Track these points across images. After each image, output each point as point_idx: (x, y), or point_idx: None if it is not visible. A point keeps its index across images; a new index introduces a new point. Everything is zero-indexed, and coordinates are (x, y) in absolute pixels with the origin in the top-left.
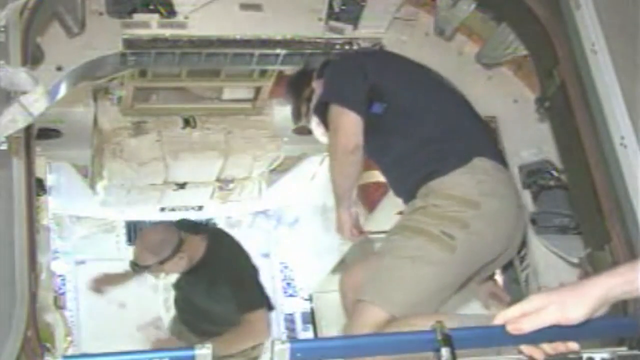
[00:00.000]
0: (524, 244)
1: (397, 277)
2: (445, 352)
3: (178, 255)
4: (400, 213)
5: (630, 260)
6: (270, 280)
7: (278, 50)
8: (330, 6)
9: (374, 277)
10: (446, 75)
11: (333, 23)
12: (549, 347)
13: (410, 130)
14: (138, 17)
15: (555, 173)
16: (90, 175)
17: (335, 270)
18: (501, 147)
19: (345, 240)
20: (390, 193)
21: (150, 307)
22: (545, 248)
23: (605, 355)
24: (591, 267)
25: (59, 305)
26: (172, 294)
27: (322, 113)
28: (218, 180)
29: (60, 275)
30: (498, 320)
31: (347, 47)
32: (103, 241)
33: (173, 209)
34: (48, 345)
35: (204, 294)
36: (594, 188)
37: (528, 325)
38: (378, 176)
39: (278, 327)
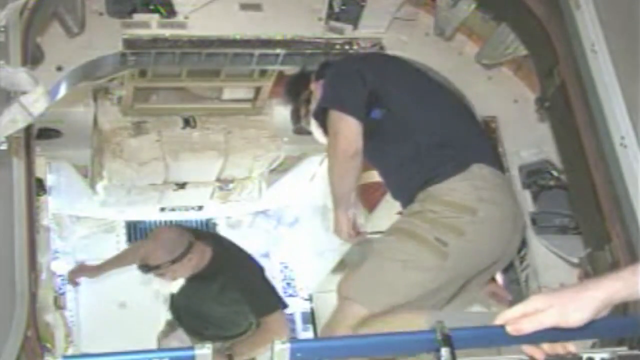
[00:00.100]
0: (524, 244)
1: (386, 280)
2: (445, 352)
3: (188, 256)
4: (400, 213)
5: (632, 263)
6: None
7: (278, 50)
8: (330, 6)
9: (363, 275)
10: (446, 75)
11: (333, 23)
12: (548, 347)
13: (409, 136)
14: (138, 17)
15: (555, 173)
16: (90, 175)
17: (335, 270)
18: (501, 147)
19: (343, 241)
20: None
21: (150, 307)
22: (545, 248)
23: (605, 355)
24: (591, 267)
25: (59, 305)
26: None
27: (322, 118)
28: (218, 180)
29: (60, 275)
30: (498, 321)
31: (347, 47)
32: (103, 241)
33: (173, 209)
34: (48, 345)
35: (212, 300)
36: (594, 188)
37: (527, 327)
38: (378, 176)
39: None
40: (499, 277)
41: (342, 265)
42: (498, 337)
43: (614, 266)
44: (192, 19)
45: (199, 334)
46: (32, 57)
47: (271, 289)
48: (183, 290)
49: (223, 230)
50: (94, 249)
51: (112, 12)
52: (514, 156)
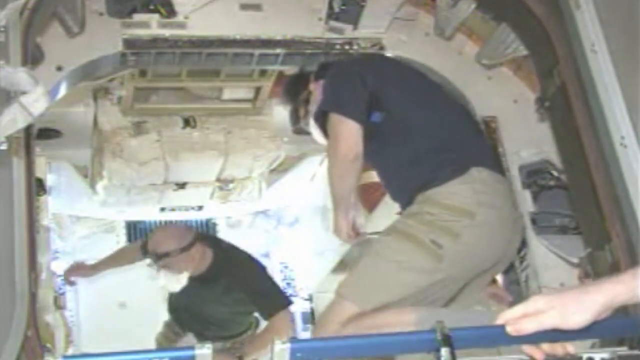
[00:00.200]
0: (524, 244)
1: (379, 279)
2: (445, 352)
3: (195, 247)
4: (400, 214)
5: (632, 263)
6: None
7: (278, 50)
8: (330, 6)
9: (357, 273)
10: (446, 75)
11: (333, 23)
12: (547, 347)
13: (408, 140)
14: (138, 17)
15: (555, 173)
16: (90, 175)
17: (335, 270)
18: (501, 147)
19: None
20: None
21: (150, 307)
22: (545, 248)
23: (605, 355)
24: (591, 267)
25: (59, 305)
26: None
27: (322, 121)
28: (218, 180)
29: (60, 275)
30: (499, 321)
31: (347, 47)
32: (103, 241)
33: (173, 209)
34: (48, 345)
35: (215, 302)
36: (594, 188)
37: (527, 327)
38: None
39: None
40: (499, 278)
41: (342, 265)
42: (498, 337)
43: (614, 266)
44: (192, 19)
45: (199, 335)
46: (32, 57)
47: (276, 288)
48: (183, 291)
49: (223, 230)
50: (94, 249)
51: (112, 12)
52: (514, 156)
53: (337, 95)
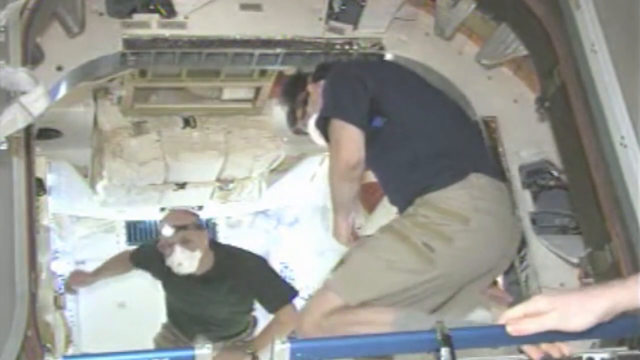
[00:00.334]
0: (524, 243)
1: (368, 275)
2: (445, 352)
3: (206, 232)
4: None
5: (632, 264)
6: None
7: (278, 50)
8: (330, 6)
9: (347, 267)
10: (446, 75)
11: (333, 23)
12: (546, 347)
13: (408, 144)
14: (138, 17)
15: (555, 173)
16: (90, 175)
17: (335, 270)
18: (501, 147)
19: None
20: None
21: (150, 307)
22: (545, 248)
23: (605, 355)
24: (591, 267)
25: (59, 305)
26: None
27: (323, 126)
28: (218, 180)
29: (60, 275)
30: (501, 320)
31: (347, 47)
32: (103, 241)
33: (173, 209)
34: (48, 345)
35: (218, 302)
36: (594, 188)
37: (528, 328)
38: None
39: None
40: (499, 279)
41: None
42: (497, 337)
43: (614, 266)
44: (192, 19)
45: (197, 333)
46: (32, 57)
47: (280, 281)
48: (184, 293)
49: (223, 230)
50: (94, 249)
51: (112, 12)
52: (514, 156)
53: (338, 100)
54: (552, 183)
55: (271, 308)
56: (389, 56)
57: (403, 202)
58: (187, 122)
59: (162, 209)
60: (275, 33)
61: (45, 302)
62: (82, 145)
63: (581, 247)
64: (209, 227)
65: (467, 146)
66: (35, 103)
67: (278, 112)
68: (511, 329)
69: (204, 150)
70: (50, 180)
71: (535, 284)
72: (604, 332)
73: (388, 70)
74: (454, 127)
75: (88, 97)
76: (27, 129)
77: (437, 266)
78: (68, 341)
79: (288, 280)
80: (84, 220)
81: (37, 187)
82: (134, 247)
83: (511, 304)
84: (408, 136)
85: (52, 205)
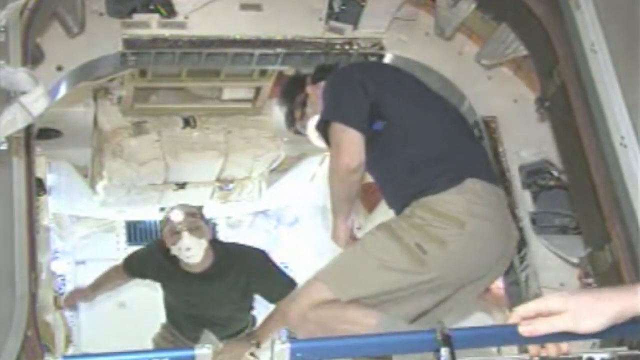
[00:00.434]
0: (524, 243)
1: (358, 271)
2: (444, 352)
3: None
4: None
5: (632, 264)
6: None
7: (278, 50)
8: (330, 6)
9: (340, 260)
10: (446, 75)
11: (333, 23)
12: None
13: (406, 148)
14: (138, 17)
15: (555, 173)
16: (90, 175)
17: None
18: (501, 147)
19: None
20: None
21: (150, 307)
22: (545, 248)
23: (605, 355)
24: (591, 267)
25: (59, 305)
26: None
27: (324, 130)
28: (218, 180)
29: (60, 275)
30: (513, 318)
31: (347, 47)
32: (103, 241)
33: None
34: (48, 345)
35: (221, 300)
36: (594, 188)
37: (540, 329)
38: None
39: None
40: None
41: None
42: (497, 337)
43: (614, 266)
44: (192, 19)
45: (198, 338)
46: (32, 57)
47: (280, 271)
48: (184, 292)
49: (223, 230)
50: (94, 249)
51: (112, 12)
52: (514, 156)
53: (339, 103)
54: (552, 183)
55: (272, 299)
56: (389, 56)
57: (400, 205)
58: (187, 122)
59: (162, 209)
60: (275, 33)
61: (45, 302)
62: (82, 145)
63: (581, 247)
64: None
65: (464, 151)
66: (35, 103)
67: (278, 112)
68: (523, 330)
69: (204, 150)
70: (50, 180)
71: (535, 284)
72: (604, 332)
73: (388, 74)
74: (453, 131)
75: (88, 97)
76: (27, 129)
77: (429, 268)
78: (68, 341)
79: None
80: (84, 220)
81: (37, 187)
82: (134, 247)
83: (511, 305)
84: (407, 140)
85: (52, 205)
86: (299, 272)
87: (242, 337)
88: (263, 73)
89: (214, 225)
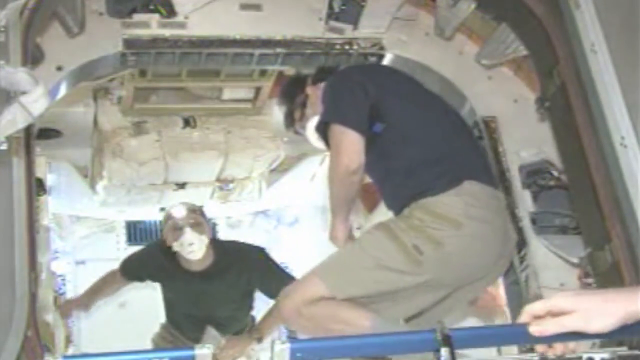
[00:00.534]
0: (524, 243)
1: (355, 269)
2: (444, 352)
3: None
4: None
5: (632, 263)
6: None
7: (278, 50)
8: (330, 6)
9: (337, 257)
10: (446, 75)
11: (333, 23)
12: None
13: (405, 150)
14: (138, 17)
15: (555, 173)
16: (90, 175)
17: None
18: (501, 147)
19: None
20: None
21: (150, 307)
22: (545, 248)
23: (605, 355)
24: (591, 267)
25: (59, 305)
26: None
27: (324, 131)
28: (218, 180)
29: (60, 275)
30: (523, 317)
31: (347, 47)
32: (103, 241)
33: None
34: (48, 345)
35: (222, 298)
36: (594, 188)
37: (550, 329)
38: None
39: (278, 327)
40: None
41: None
42: (497, 337)
43: (614, 266)
44: (192, 19)
45: (198, 338)
46: (32, 57)
47: (279, 267)
48: (184, 292)
49: (223, 230)
50: (94, 249)
51: (112, 12)
52: (514, 156)
53: (339, 105)
54: (552, 183)
55: (272, 294)
56: (389, 56)
57: (399, 207)
58: (187, 122)
59: (162, 209)
60: (275, 33)
61: (45, 302)
62: (82, 145)
63: (581, 247)
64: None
65: (463, 153)
66: (35, 103)
67: (278, 112)
68: (534, 330)
69: (204, 150)
70: (50, 180)
71: (535, 284)
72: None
73: (388, 76)
74: (452, 133)
75: (88, 97)
76: (27, 129)
77: (426, 269)
78: (68, 341)
79: None
80: (84, 220)
81: (37, 187)
82: (134, 247)
83: (511, 306)
84: (406, 142)
85: (52, 205)
86: (299, 272)
87: (246, 329)
88: (263, 73)
89: (214, 225)
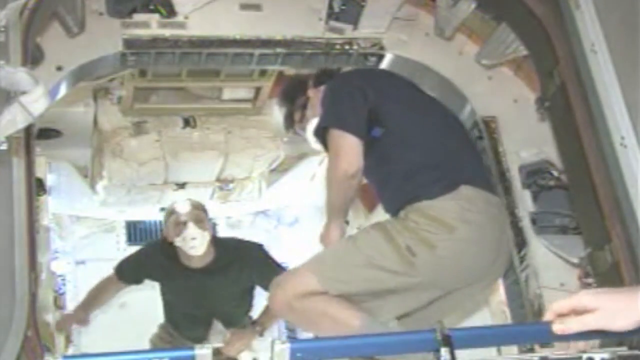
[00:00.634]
0: (524, 243)
1: (347, 265)
2: (444, 352)
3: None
4: None
5: (632, 264)
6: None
7: (278, 50)
8: (330, 6)
9: (331, 251)
10: (446, 75)
11: (333, 23)
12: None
13: (404, 156)
14: (138, 17)
15: (555, 173)
16: (90, 175)
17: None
18: (501, 147)
19: None
20: None
21: (150, 307)
22: (545, 248)
23: (605, 355)
24: (591, 267)
25: (59, 305)
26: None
27: (322, 135)
28: (218, 180)
29: (60, 275)
30: (549, 316)
31: (347, 47)
32: (103, 241)
33: None
34: (48, 345)
35: (223, 295)
36: (594, 188)
37: (573, 327)
38: None
39: (278, 327)
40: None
41: None
42: (497, 337)
43: (614, 266)
44: (192, 19)
45: (197, 338)
46: (32, 57)
47: (278, 265)
48: (184, 289)
49: (223, 230)
50: (94, 249)
51: (112, 12)
52: (514, 156)
53: (338, 110)
54: (552, 183)
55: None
56: (389, 56)
57: (395, 210)
58: (187, 122)
59: (162, 209)
60: (275, 33)
61: (45, 302)
62: (82, 145)
63: (581, 247)
64: None
65: (460, 157)
66: (35, 103)
67: (278, 112)
68: (557, 328)
69: (204, 150)
70: (50, 180)
71: (535, 284)
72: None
73: (387, 81)
74: (450, 137)
75: (88, 97)
76: (27, 129)
77: (418, 271)
78: (68, 341)
79: None
80: (84, 220)
81: (37, 187)
82: (134, 247)
83: (511, 304)
84: (404, 147)
85: (52, 205)
86: None
87: (246, 326)
88: (263, 73)
89: (214, 225)
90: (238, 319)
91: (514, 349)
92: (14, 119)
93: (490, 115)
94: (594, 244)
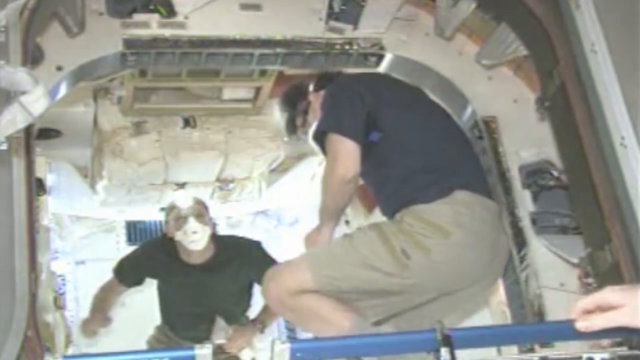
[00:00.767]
0: (524, 243)
1: (341, 264)
2: (444, 352)
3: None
4: None
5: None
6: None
7: (278, 50)
8: (330, 6)
9: (328, 250)
10: (446, 75)
11: (333, 23)
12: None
13: (401, 160)
14: (138, 17)
15: (555, 173)
16: (90, 175)
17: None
18: (501, 147)
19: None
20: None
21: (150, 307)
22: (545, 248)
23: (605, 355)
24: (591, 267)
25: (59, 305)
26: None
27: (321, 140)
28: (218, 180)
29: (60, 275)
30: (575, 313)
31: (347, 47)
32: (103, 241)
33: None
34: (48, 345)
35: (222, 293)
36: (594, 188)
37: (598, 324)
38: None
39: (278, 327)
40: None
41: None
42: (497, 337)
43: (614, 266)
44: (192, 19)
45: (198, 337)
46: (32, 57)
47: (275, 262)
48: (183, 286)
49: (223, 230)
50: (94, 249)
51: (112, 12)
52: (514, 156)
53: (336, 114)
54: (552, 183)
55: None
56: (389, 56)
57: (392, 213)
58: (187, 122)
59: (162, 209)
60: (275, 33)
61: (45, 302)
62: (82, 145)
63: (581, 247)
64: None
65: (458, 162)
66: (35, 103)
67: (278, 112)
68: (581, 325)
69: (204, 150)
70: (50, 180)
71: (535, 284)
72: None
73: (387, 85)
74: (448, 142)
75: (88, 97)
76: (27, 129)
77: (411, 273)
78: (68, 341)
79: None
80: (84, 220)
81: (37, 187)
82: (134, 247)
83: (511, 304)
84: (402, 151)
85: (52, 205)
86: None
87: (247, 323)
88: (263, 73)
89: (214, 224)
90: (236, 316)
91: (514, 349)
92: (14, 119)
93: (490, 115)
94: (594, 244)
